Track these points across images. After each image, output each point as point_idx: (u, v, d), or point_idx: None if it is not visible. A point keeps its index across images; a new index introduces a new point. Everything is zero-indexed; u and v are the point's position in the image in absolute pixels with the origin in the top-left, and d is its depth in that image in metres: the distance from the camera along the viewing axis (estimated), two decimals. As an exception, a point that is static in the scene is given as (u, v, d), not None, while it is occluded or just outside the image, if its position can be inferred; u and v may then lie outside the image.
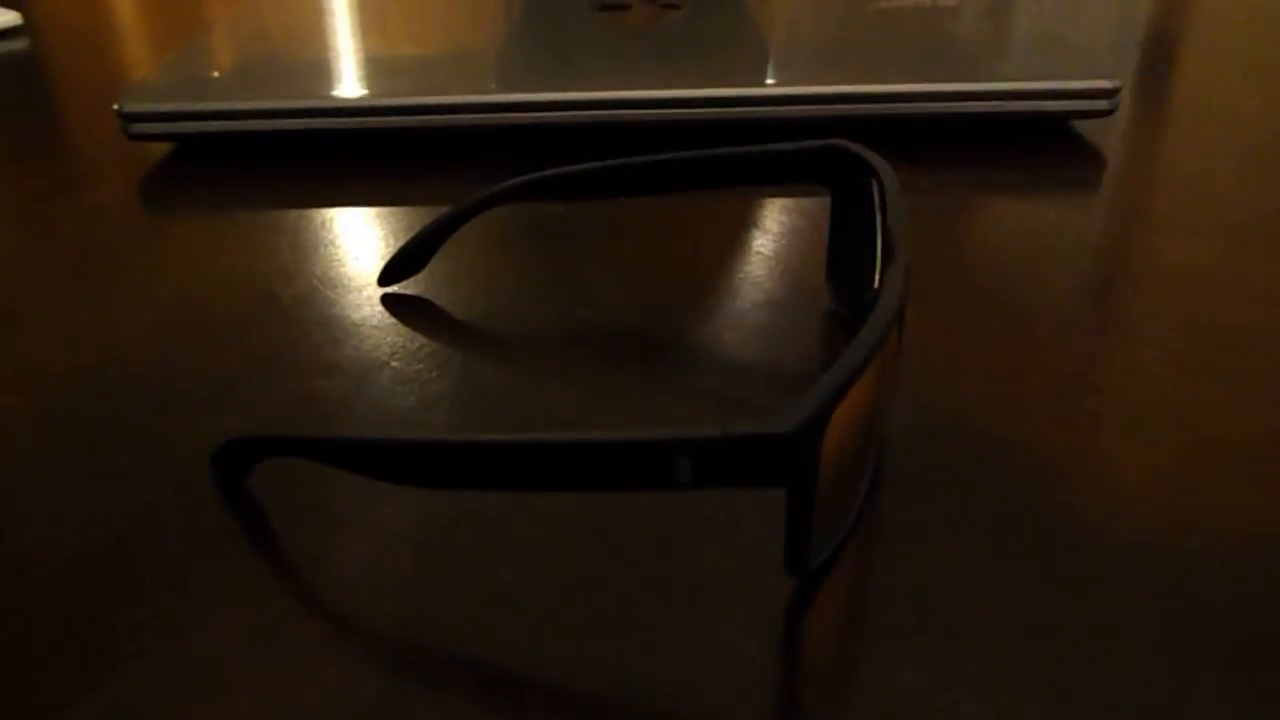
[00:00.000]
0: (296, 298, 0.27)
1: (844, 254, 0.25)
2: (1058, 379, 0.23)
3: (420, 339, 0.25)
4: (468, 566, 0.18)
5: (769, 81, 0.36)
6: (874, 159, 0.22)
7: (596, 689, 0.15)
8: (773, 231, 0.30)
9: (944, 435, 0.21)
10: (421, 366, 0.24)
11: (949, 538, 0.18)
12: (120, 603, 0.17)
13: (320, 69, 0.38)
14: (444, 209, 0.27)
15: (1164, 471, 0.20)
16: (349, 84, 0.36)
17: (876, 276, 0.23)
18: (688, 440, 0.15)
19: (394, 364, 0.24)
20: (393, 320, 0.26)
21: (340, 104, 0.35)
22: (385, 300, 0.26)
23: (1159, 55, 0.47)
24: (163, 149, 0.37)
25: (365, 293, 0.27)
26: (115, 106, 0.35)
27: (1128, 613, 0.16)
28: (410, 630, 0.16)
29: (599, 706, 0.15)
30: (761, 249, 0.29)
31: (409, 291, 0.27)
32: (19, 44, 0.50)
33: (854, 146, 0.23)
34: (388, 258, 0.27)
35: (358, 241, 0.30)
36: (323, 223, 0.31)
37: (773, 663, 0.16)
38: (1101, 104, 0.36)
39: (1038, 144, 0.37)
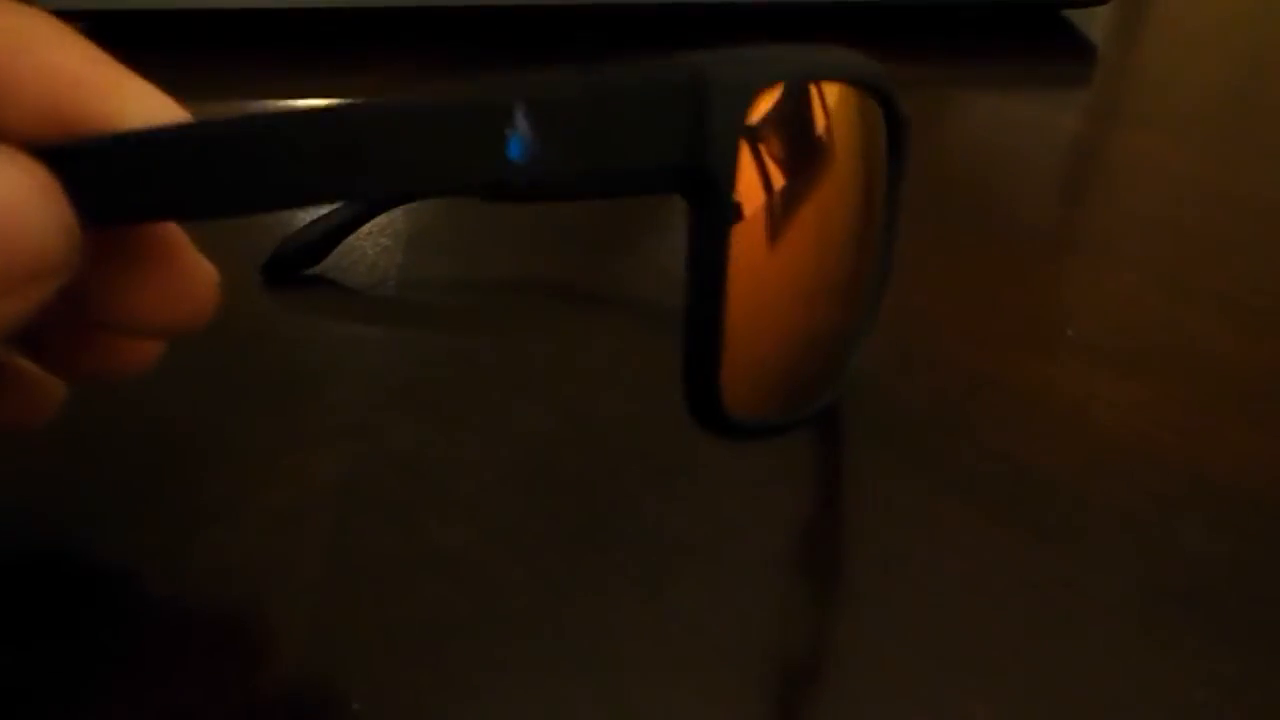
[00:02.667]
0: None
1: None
2: (1036, 303, 0.21)
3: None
4: (393, 521, 0.16)
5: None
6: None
7: (532, 657, 0.14)
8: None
9: (914, 370, 0.19)
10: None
11: (916, 488, 0.17)
12: (8, 563, 0.15)
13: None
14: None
15: (1147, 409, 0.18)
16: (277, -43, 0.33)
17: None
18: (531, 92, 0.10)
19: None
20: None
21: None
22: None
23: (1157, -65, 0.44)
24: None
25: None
26: (15, -21, 0.31)
27: (1104, 573, 0.15)
28: (330, 593, 0.15)
29: (535, 675, 0.14)
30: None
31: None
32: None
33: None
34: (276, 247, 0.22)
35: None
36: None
37: (725, 630, 0.14)
38: (1096, -9, 0.34)
39: (1026, 34, 0.34)
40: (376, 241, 0.23)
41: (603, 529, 0.16)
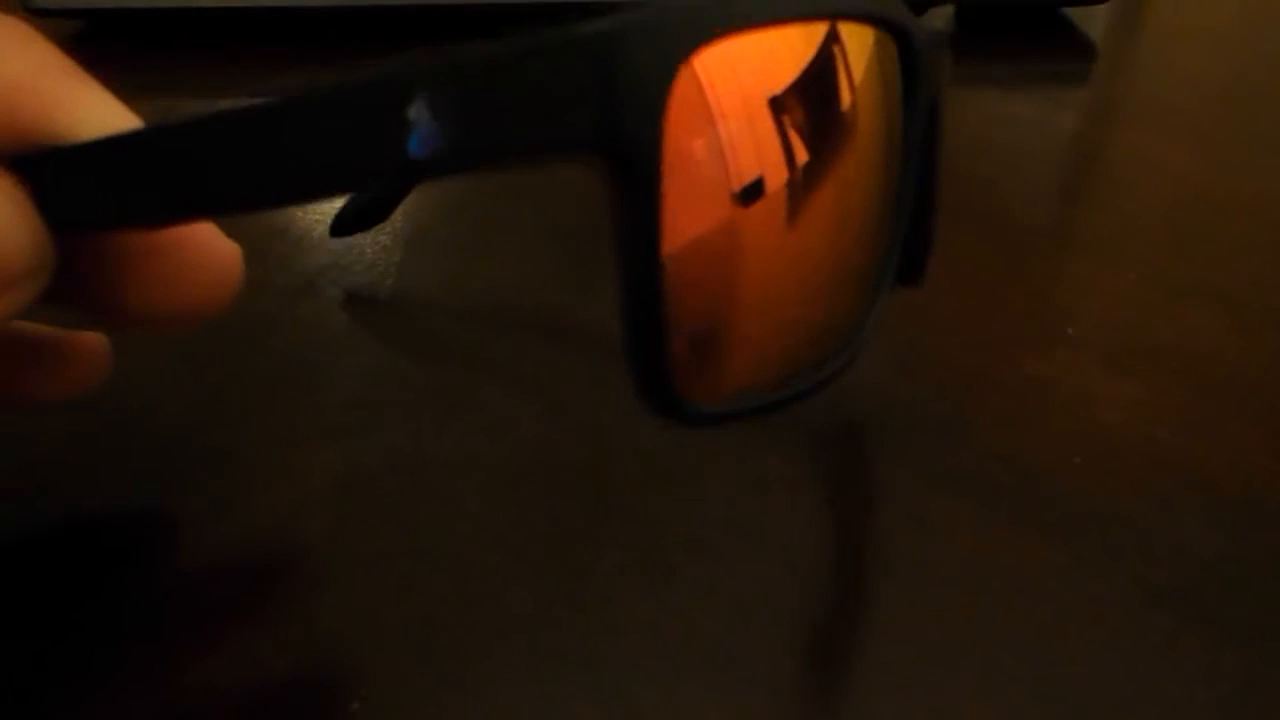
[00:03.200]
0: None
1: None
2: (1036, 302, 0.21)
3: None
4: (391, 520, 0.16)
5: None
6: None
7: (532, 657, 0.14)
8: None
9: (913, 369, 0.19)
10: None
11: (915, 487, 0.17)
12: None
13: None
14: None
15: (1147, 408, 0.18)
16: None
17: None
18: (427, 78, 0.10)
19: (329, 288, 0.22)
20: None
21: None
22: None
23: (1156, -67, 0.44)
24: (68, 27, 0.34)
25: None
26: (13, -22, 0.31)
27: (1103, 572, 0.15)
28: (329, 590, 0.15)
29: (535, 675, 0.14)
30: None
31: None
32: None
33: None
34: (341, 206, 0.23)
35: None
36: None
37: (720, 626, 0.14)
38: (1095, -11, 0.34)
39: (1024, 32, 0.34)
40: (375, 240, 0.23)
41: (603, 529, 0.16)
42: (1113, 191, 0.26)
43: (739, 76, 0.12)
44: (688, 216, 0.12)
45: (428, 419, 0.18)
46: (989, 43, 0.34)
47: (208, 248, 0.13)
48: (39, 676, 0.14)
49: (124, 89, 0.29)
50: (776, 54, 0.12)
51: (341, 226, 0.22)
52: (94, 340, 0.15)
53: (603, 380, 0.19)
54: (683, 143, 0.11)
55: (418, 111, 0.09)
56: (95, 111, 0.12)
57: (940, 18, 0.17)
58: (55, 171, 0.11)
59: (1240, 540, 0.16)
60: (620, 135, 0.10)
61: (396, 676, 0.14)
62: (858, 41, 0.13)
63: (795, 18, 0.12)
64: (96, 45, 0.32)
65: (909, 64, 0.14)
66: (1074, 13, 0.36)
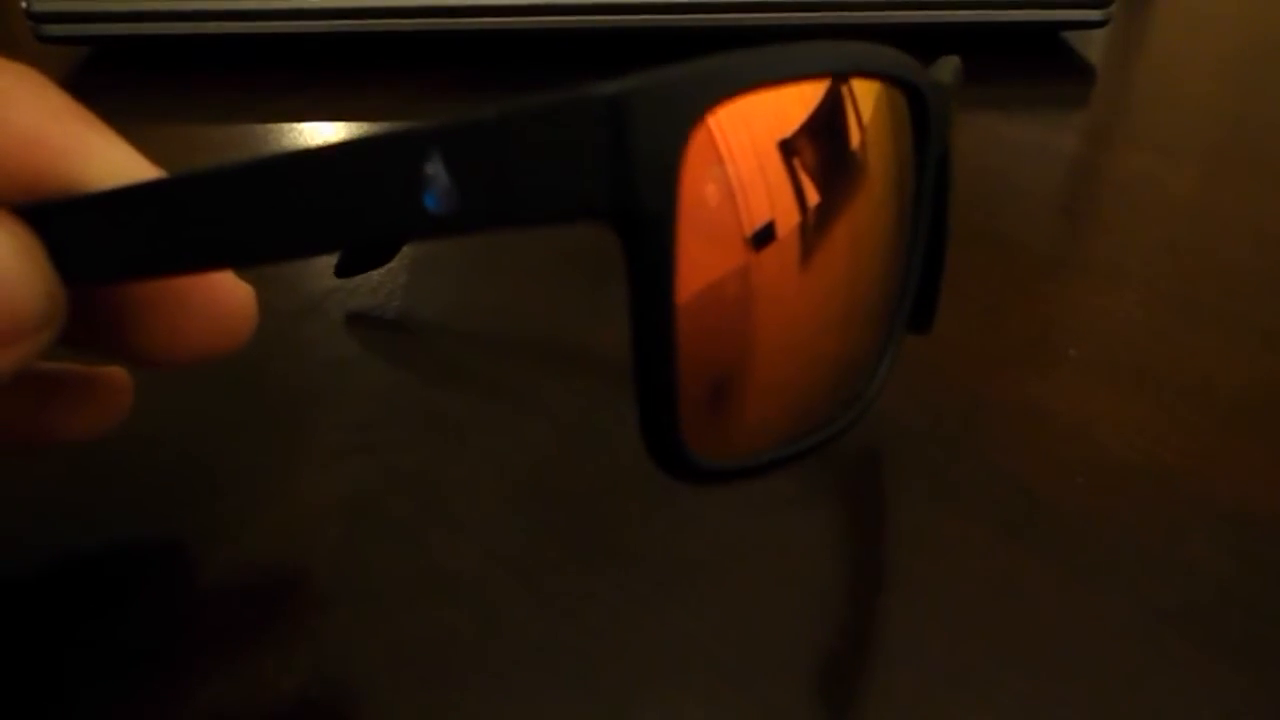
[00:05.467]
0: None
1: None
2: (1038, 324, 0.21)
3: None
4: (397, 542, 0.16)
5: (740, -16, 0.33)
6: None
7: (537, 676, 0.14)
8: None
9: (916, 391, 0.19)
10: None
11: (918, 509, 0.17)
12: None
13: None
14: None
15: (1150, 429, 0.19)
16: (282, -18, 0.33)
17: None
18: (445, 137, 0.10)
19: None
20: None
21: (274, 7, 0.32)
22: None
23: (1154, -42, 0.44)
24: (78, 54, 0.34)
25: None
26: (24, 5, 0.32)
27: (1107, 593, 0.15)
28: (336, 613, 0.15)
29: (540, 695, 0.14)
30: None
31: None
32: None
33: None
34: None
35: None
36: (259, 139, 0.29)
37: (726, 647, 0.15)
38: (1094, 14, 0.34)
39: (1024, 56, 0.35)
40: (381, 263, 0.23)
41: (609, 548, 0.16)
42: (1113, 214, 0.26)
43: (752, 136, 0.12)
44: (703, 278, 0.12)
45: (434, 441, 0.18)
46: (988, 66, 0.34)
47: (222, 291, 0.13)
48: (47, 701, 0.14)
49: (134, 116, 0.29)
50: (788, 111, 0.12)
51: (346, 268, 0.22)
52: (115, 375, 0.15)
53: (610, 402, 0.19)
54: (697, 206, 0.11)
55: (434, 168, 0.10)
56: (109, 159, 0.12)
57: (946, 69, 0.17)
58: (68, 222, 0.11)
59: (1244, 560, 0.16)
60: (633, 207, 0.10)
61: (402, 697, 0.14)
62: (868, 97, 0.14)
63: (807, 76, 0.12)
64: (106, 72, 0.33)
65: (920, 120, 0.15)
66: (1073, 36, 0.37)
